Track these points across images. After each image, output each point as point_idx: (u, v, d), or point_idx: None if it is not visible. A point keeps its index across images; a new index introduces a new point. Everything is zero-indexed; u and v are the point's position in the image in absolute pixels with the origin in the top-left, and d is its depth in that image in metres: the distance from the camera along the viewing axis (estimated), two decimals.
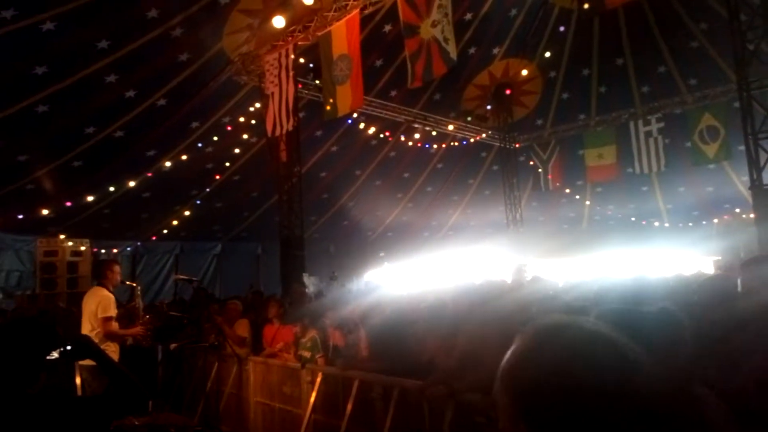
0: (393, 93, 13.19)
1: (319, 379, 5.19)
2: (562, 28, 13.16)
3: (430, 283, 8.10)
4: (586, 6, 8.38)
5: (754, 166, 7.16)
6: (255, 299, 8.80)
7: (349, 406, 4.69)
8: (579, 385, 0.83)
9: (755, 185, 7.16)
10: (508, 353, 0.93)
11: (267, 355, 6.25)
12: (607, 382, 0.84)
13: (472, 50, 13.17)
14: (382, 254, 18.13)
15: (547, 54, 13.32)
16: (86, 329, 5.61)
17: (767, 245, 6.50)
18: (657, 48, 13.47)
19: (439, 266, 17.01)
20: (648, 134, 13.49)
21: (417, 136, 14.56)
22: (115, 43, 9.15)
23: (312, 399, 5.18)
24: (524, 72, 13.84)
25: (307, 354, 5.67)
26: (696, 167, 13.78)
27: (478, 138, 15.63)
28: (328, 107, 9.78)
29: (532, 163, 15.91)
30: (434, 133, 14.71)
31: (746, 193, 12.74)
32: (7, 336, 2.35)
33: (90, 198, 11.41)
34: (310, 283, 9.39)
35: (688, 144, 13.27)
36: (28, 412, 2.12)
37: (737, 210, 14.15)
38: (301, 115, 11.34)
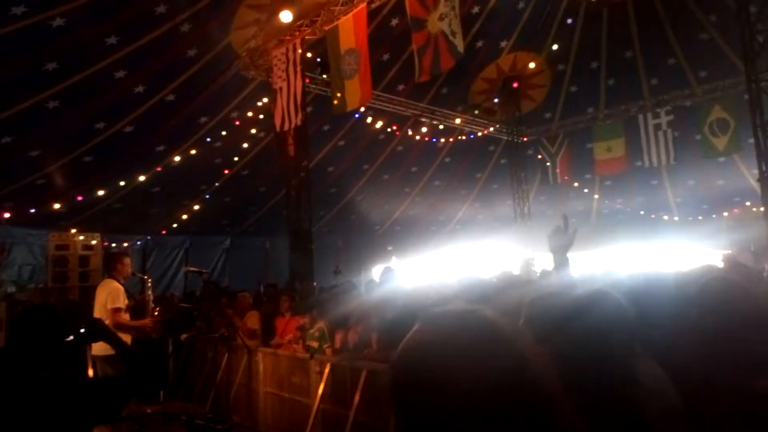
0: (400, 87, 13.19)
1: (327, 370, 5.25)
2: (569, 21, 13.08)
3: (437, 278, 8.11)
4: None
5: (763, 158, 7.12)
6: (269, 293, 8.87)
7: (357, 396, 4.75)
8: (456, 380, 0.81)
9: (764, 177, 7.13)
10: (400, 345, 0.92)
11: (275, 345, 6.34)
12: (483, 377, 0.81)
13: (479, 43, 13.13)
14: (389, 248, 18.18)
15: (555, 47, 13.25)
16: None
17: None
18: (666, 40, 13.35)
19: (447, 260, 17.06)
20: (657, 127, 13.39)
21: (424, 130, 14.55)
22: (124, 38, 9.22)
23: (320, 389, 5.25)
24: (532, 65, 13.79)
25: (315, 344, 5.75)
26: (706, 160, 13.68)
27: (485, 132, 15.60)
28: (336, 102, 9.79)
29: (540, 156, 15.86)
30: (441, 127, 14.70)
31: (757, 186, 12.66)
32: (23, 323, 2.42)
33: (101, 192, 11.52)
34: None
35: (698, 137, 13.16)
36: (42, 395, 2.18)
37: (747, 203, 14.03)
38: (308, 109, 11.38)
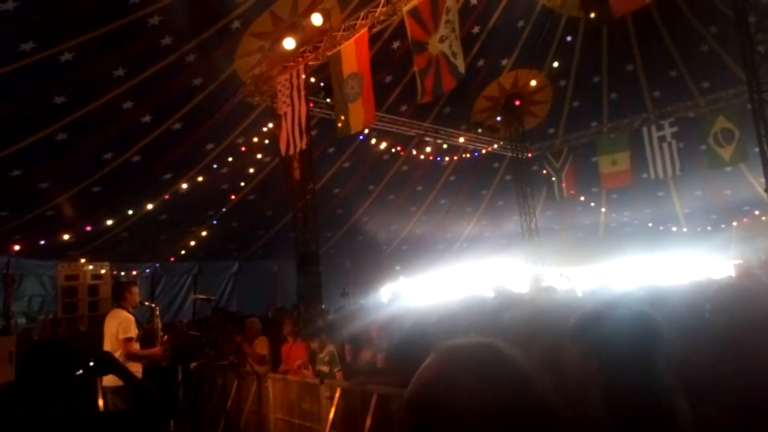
0: (403, 108, 13.31)
1: (337, 395, 5.21)
2: (569, 38, 13.19)
3: (443, 296, 8.11)
4: (592, 15, 8.40)
5: None
6: (279, 316, 8.84)
7: (368, 421, 4.70)
8: (476, 411, 0.83)
9: None
10: (416, 375, 0.93)
11: (282, 371, 6.31)
12: (503, 407, 0.84)
13: (480, 62, 13.26)
14: (397, 268, 18.13)
15: (556, 64, 13.34)
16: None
17: None
18: (667, 52, 13.42)
19: (456, 279, 16.97)
20: (661, 139, 13.39)
21: (428, 149, 14.62)
22: (131, 70, 9.41)
23: (331, 414, 5.20)
24: (533, 82, 13.88)
25: (325, 369, 5.71)
26: (712, 170, 13.63)
27: (489, 149, 15.66)
28: (340, 125, 9.92)
29: (545, 172, 15.87)
30: (445, 146, 14.77)
31: (765, 195, 12.57)
32: (33, 358, 2.43)
33: (109, 222, 11.63)
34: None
35: (703, 147, 13.13)
36: (52, 431, 2.19)
37: (756, 212, 13.92)
38: (313, 133, 11.49)
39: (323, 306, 10.25)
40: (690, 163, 13.48)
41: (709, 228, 16.13)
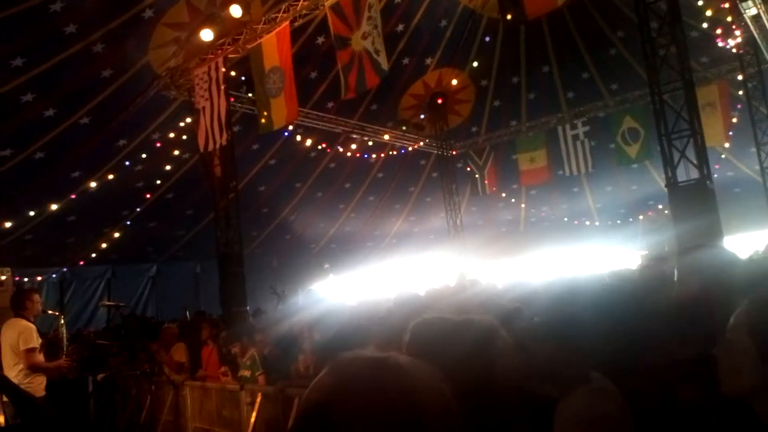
0: (330, 104, 13.18)
1: (258, 400, 5.06)
2: (487, 38, 13.57)
3: (374, 294, 8.11)
4: (509, 17, 8.66)
5: (669, 165, 7.58)
6: (197, 321, 8.45)
7: (290, 425, 4.59)
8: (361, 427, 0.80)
9: (670, 183, 7.59)
10: (307, 390, 0.90)
11: (201, 377, 6.06)
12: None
13: (405, 60, 13.37)
14: (326, 266, 18.01)
15: (475, 63, 13.69)
16: (8, 365, 5.26)
17: (683, 239, 6.89)
18: (580, 55, 14.14)
19: (385, 275, 17.12)
20: (575, 137, 14.09)
21: (354, 146, 14.58)
22: (31, 60, 8.70)
23: (252, 420, 5.05)
24: (454, 81, 14.16)
25: (246, 373, 5.53)
26: (620, 167, 14.52)
27: (416, 146, 15.84)
28: (263, 120, 9.67)
29: (469, 169, 16.27)
30: (371, 143, 14.78)
31: (666, 191, 13.57)
32: None
33: (8, 224, 10.70)
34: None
35: (612, 145, 13.96)
36: None
37: (660, 206, 15.00)
38: (235, 129, 11.13)
39: (247, 308, 9.96)
40: (601, 160, 14.29)
41: (618, 221, 17.22)
